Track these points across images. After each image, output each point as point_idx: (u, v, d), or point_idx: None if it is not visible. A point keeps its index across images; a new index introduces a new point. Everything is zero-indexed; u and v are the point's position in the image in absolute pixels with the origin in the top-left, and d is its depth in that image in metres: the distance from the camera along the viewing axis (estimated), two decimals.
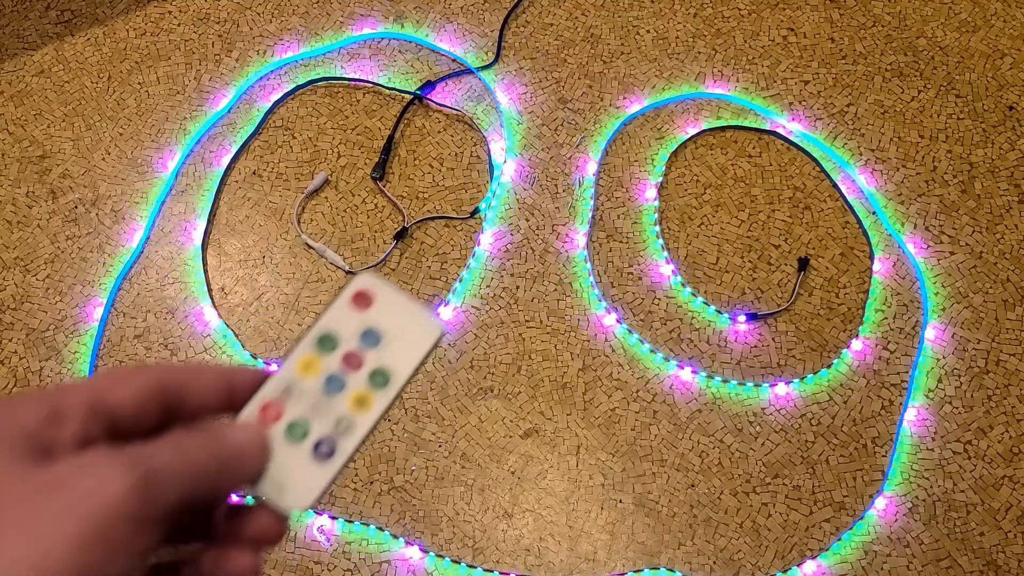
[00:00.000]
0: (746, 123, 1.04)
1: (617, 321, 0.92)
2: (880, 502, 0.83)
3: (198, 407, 0.27)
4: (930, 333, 0.91)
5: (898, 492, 0.84)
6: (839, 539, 0.82)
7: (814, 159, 1.01)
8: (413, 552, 0.82)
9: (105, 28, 1.13)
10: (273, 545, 0.27)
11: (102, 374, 0.27)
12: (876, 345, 0.91)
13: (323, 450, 0.28)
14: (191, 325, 0.93)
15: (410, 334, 0.29)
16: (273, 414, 0.28)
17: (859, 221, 0.97)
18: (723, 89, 1.06)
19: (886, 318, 0.93)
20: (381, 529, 0.83)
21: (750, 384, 0.89)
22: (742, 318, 0.92)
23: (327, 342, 0.29)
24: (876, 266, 0.94)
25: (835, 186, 1.00)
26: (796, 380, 0.89)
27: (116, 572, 0.22)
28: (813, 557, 0.82)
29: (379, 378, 0.29)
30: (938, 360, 0.90)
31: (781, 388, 0.89)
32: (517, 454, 0.87)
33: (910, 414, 0.87)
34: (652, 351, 0.91)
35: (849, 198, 0.99)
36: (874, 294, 0.93)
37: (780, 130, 1.03)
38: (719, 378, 0.89)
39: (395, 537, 0.83)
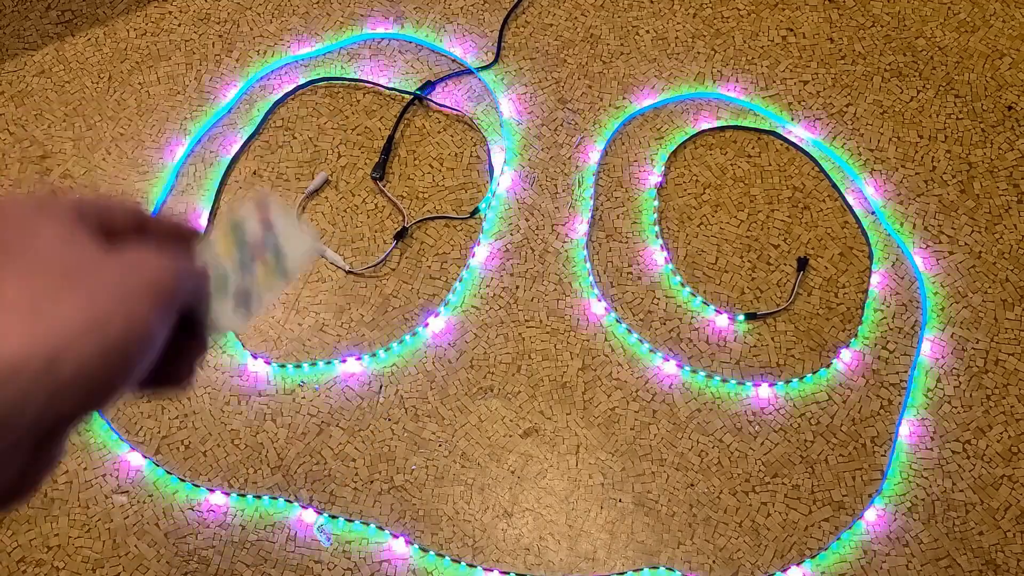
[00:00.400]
0: (745, 123, 1.04)
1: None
2: (871, 514, 0.83)
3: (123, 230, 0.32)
4: (929, 333, 0.92)
5: (892, 498, 0.85)
6: (838, 538, 0.82)
7: (813, 159, 1.01)
8: (413, 551, 0.82)
9: (106, 28, 1.13)
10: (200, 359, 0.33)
11: (98, 196, 0.33)
12: (875, 345, 0.91)
13: (241, 300, 0.34)
14: None
15: (295, 245, 0.36)
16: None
17: (858, 221, 0.97)
18: (736, 93, 1.06)
19: (885, 318, 0.93)
20: (381, 528, 0.83)
21: (733, 382, 0.89)
22: (741, 317, 0.92)
23: (237, 230, 0.36)
24: (875, 279, 0.94)
25: (834, 186, 1.00)
26: (780, 382, 0.89)
27: (163, 334, 0.27)
28: (812, 556, 0.82)
29: (279, 272, 0.35)
30: (937, 360, 0.90)
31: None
32: (517, 453, 0.87)
33: (909, 414, 0.88)
34: (652, 351, 0.91)
35: (848, 198, 0.99)
36: (873, 293, 0.94)
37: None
38: (718, 378, 0.90)
39: (395, 537, 0.83)
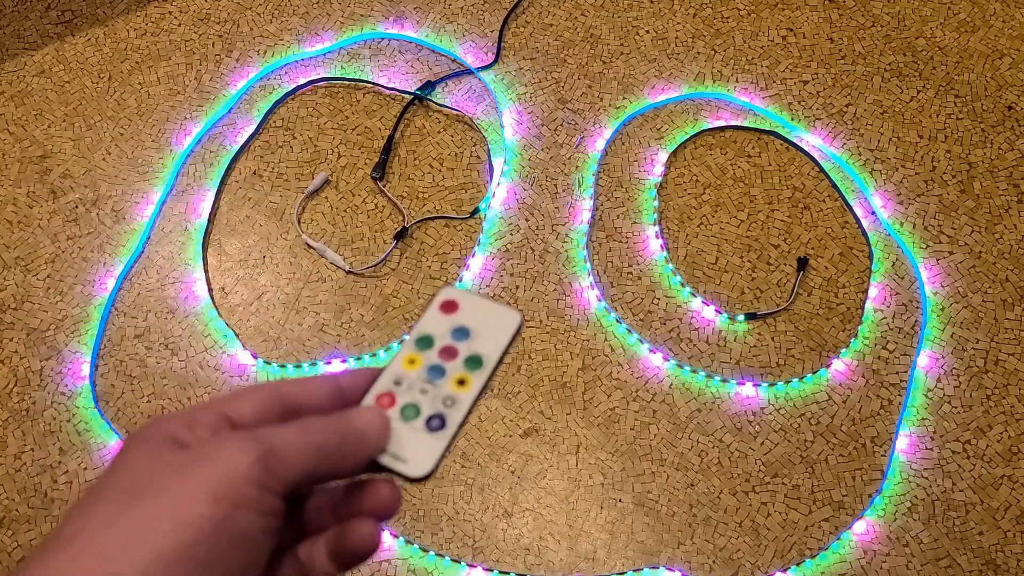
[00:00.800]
0: (746, 123, 1.04)
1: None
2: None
3: (313, 410, 0.31)
4: (929, 333, 0.92)
5: (892, 498, 0.85)
6: (838, 538, 0.82)
7: (813, 159, 1.01)
8: (412, 551, 0.82)
9: (106, 28, 1.13)
10: (391, 515, 0.31)
11: (228, 392, 0.33)
12: (875, 345, 0.91)
13: (434, 424, 0.33)
14: (191, 325, 0.93)
15: (494, 325, 0.36)
16: (387, 402, 0.33)
17: (858, 221, 0.98)
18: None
19: (885, 318, 0.93)
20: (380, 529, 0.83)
21: (717, 379, 0.89)
22: (741, 317, 0.92)
23: (424, 341, 0.35)
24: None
25: (834, 186, 1.00)
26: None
27: (244, 527, 0.26)
28: (812, 557, 0.82)
29: (473, 362, 0.35)
30: (937, 360, 0.90)
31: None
32: (517, 453, 0.87)
33: (909, 414, 0.88)
34: (652, 351, 0.91)
35: (848, 198, 0.99)
36: (872, 293, 0.94)
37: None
38: (718, 378, 0.90)
39: (395, 537, 0.83)
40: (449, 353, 0.35)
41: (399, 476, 0.32)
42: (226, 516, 0.26)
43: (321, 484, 0.31)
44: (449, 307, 0.36)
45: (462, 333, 0.35)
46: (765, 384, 0.89)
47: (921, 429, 0.87)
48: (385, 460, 0.32)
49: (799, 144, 1.02)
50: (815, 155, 1.02)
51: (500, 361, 0.35)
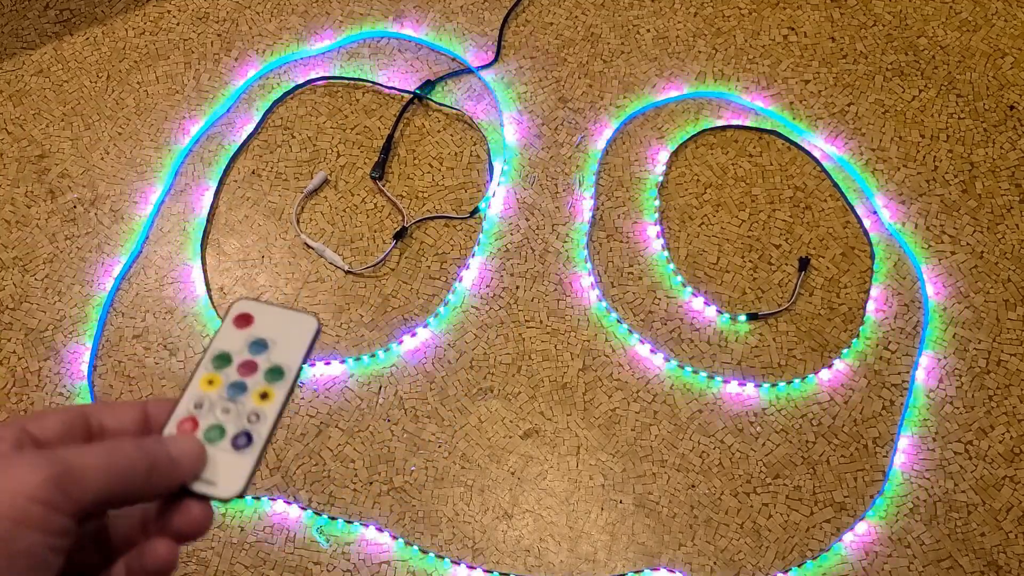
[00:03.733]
0: (747, 123, 1.03)
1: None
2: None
3: (118, 434, 0.32)
4: (931, 334, 0.91)
5: (894, 499, 0.84)
6: (840, 539, 0.82)
7: (814, 159, 1.01)
8: (412, 553, 0.82)
9: (104, 27, 1.12)
10: (200, 535, 0.31)
11: (29, 413, 0.33)
12: (877, 345, 0.91)
13: (240, 442, 0.32)
14: (190, 325, 0.93)
15: (292, 332, 0.35)
16: (189, 427, 0.32)
17: (859, 221, 0.97)
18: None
19: (887, 318, 0.92)
20: (380, 530, 0.83)
21: (718, 379, 0.89)
22: (742, 318, 0.92)
23: (221, 359, 0.34)
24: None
25: (836, 186, 0.99)
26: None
27: (25, 546, 0.26)
28: (814, 558, 0.82)
29: (274, 373, 0.34)
30: (939, 360, 0.90)
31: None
32: (517, 454, 0.86)
33: (911, 415, 0.87)
34: (652, 351, 0.90)
35: (850, 198, 0.98)
36: (874, 295, 0.93)
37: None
38: (720, 378, 0.89)
39: (395, 538, 0.83)
40: (248, 368, 0.34)
41: (210, 498, 0.31)
42: (4, 534, 0.26)
43: (124, 507, 0.30)
44: (244, 320, 0.35)
45: (259, 345, 0.34)
46: (767, 385, 0.89)
47: (923, 430, 0.87)
48: (196, 486, 0.31)
49: (800, 143, 1.02)
50: (816, 154, 1.01)
51: (301, 368, 0.35)
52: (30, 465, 0.27)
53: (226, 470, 0.31)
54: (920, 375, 0.89)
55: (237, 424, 0.32)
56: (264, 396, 0.33)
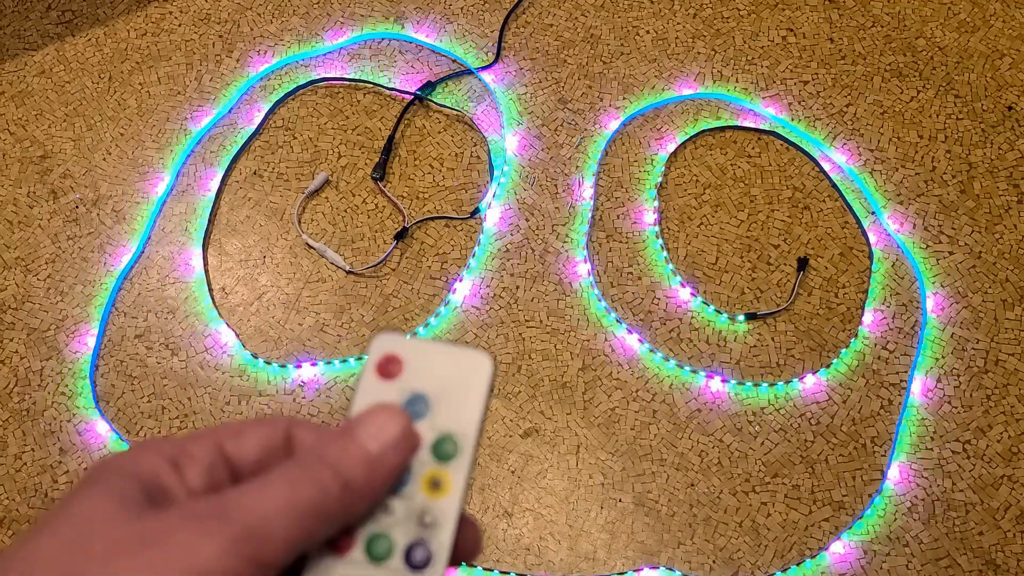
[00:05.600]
0: (746, 124, 1.04)
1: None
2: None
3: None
4: (929, 334, 0.92)
5: (891, 498, 0.84)
6: (838, 538, 0.82)
7: (813, 159, 1.01)
8: None
9: (106, 28, 1.13)
10: (474, 556, 0.25)
11: (228, 423, 0.26)
12: (875, 345, 0.91)
13: (418, 557, 0.23)
14: (192, 325, 0.94)
15: (459, 382, 0.25)
16: (345, 544, 0.23)
17: (858, 221, 0.98)
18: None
19: (885, 318, 0.93)
20: None
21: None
22: (741, 317, 0.92)
23: None
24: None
25: (834, 186, 1.00)
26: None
27: None
28: (812, 557, 0.82)
29: (445, 447, 0.24)
30: (937, 360, 0.90)
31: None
32: (517, 453, 0.87)
33: (909, 413, 0.88)
34: (652, 351, 0.91)
35: (848, 198, 0.99)
36: (873, 294, 0.94)
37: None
38: (719, 378, 0.90)
39: None
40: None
41: None
42: None
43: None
44: (391, 366, 0.25)
45: (418, 405, 0.24)
46: (765, 384, 0.89)
47: (921, 429, 0.87)
48: None
49: (799, 144, 1.02)
50: (815, 155, 1.02)
51: (479, 434, 0.25)
52: (202, 531, 0.21)
53: None
54: (918, 375, 0.90)
55: (407, 531, 0.23)
56: (436, 485, 0.24)
